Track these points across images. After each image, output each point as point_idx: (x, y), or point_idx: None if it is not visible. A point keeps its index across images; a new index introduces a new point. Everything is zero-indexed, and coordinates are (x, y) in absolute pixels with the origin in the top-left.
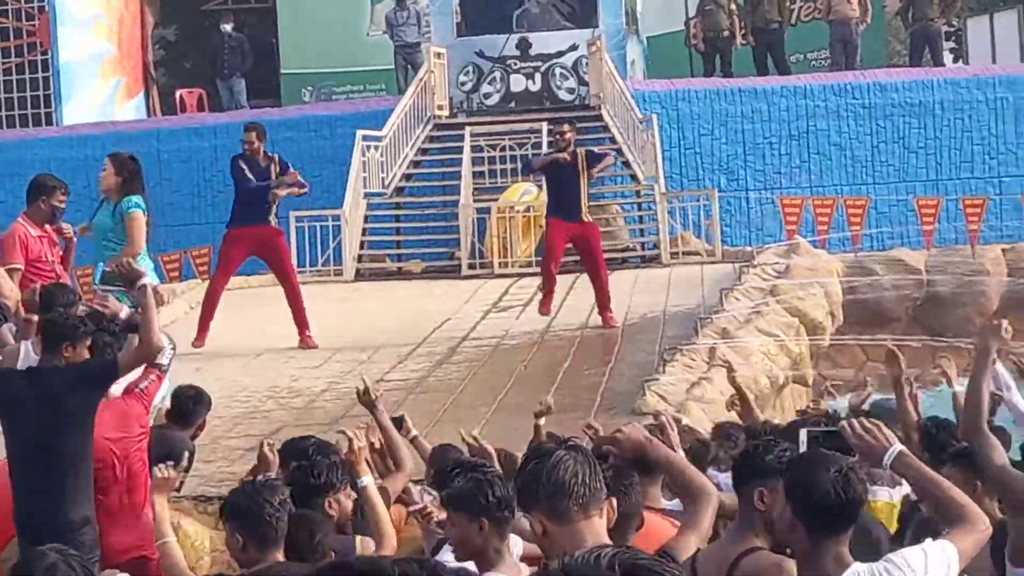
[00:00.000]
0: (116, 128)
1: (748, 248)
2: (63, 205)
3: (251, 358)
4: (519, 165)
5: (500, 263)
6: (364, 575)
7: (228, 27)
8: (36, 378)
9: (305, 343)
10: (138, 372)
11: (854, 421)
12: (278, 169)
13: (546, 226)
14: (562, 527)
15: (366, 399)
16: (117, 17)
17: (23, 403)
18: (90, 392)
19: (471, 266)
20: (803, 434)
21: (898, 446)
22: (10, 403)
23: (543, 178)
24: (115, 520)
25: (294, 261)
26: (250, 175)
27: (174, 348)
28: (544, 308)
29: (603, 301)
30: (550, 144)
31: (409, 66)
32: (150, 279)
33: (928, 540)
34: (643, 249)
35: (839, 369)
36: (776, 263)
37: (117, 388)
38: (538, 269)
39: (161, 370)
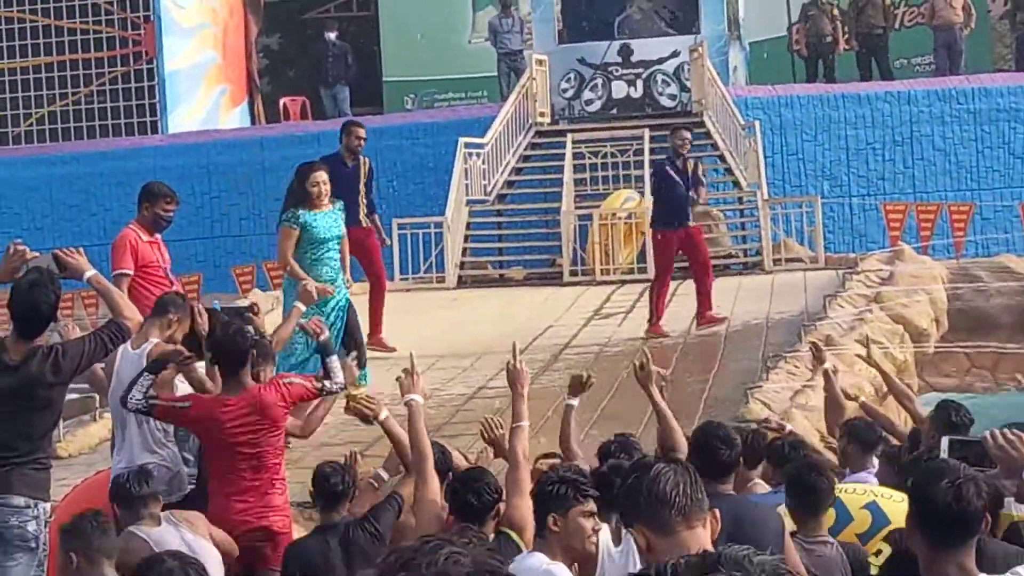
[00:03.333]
0: (221, 136)
1: (851, 255)
2: (168, 214)
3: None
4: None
5: (602, 270)
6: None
7: (332, 35)
8: None
9: (377, 344)
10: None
11: (996, 431)
12: (366, 172)
13: (653, 239)
14: (666, 539)
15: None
16: (222, 26)
17: None
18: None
19: (573, 273)
20: (944, 442)
21: None
22: None
23: (660, 186)
24: (242, 494)
25: (397, 268)
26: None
27: (343, 388)
28: (655, 329)
29: (706, 304)
30: (664, 151)
31: (512, 73)
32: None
33: None
34: (746, 256)
35: (945, 377)
36: (880, 270)
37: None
38: (640, 276)
39: (321, 391)
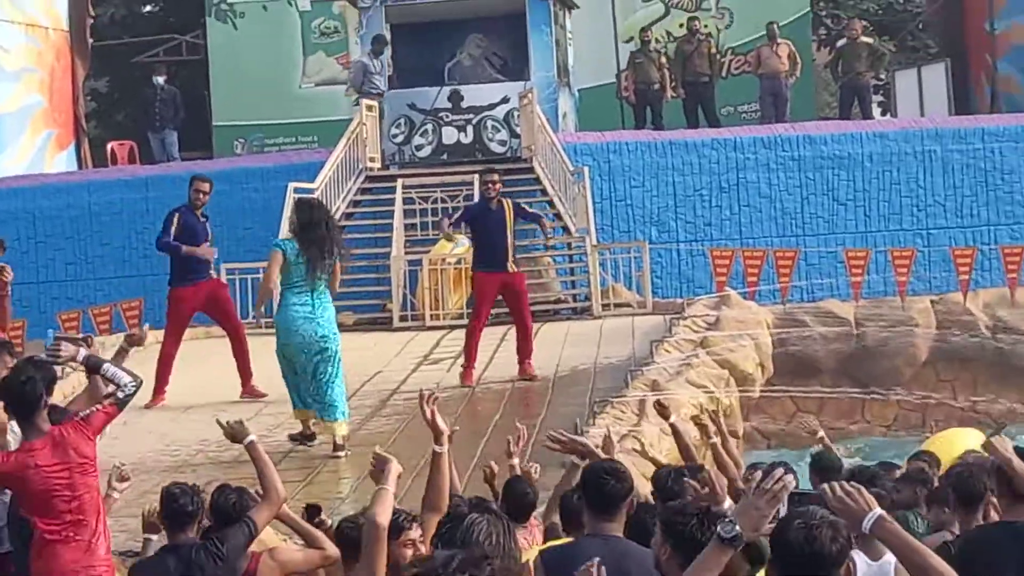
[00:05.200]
0: (47, 180)
1: (678, 300)
2: None
3: (180, 411)
4: (441, 218)
5: (431, 315)
6: None
7: (160, 79)
8: None
9: (250, 393)
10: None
11: (835, 484)
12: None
13: (472, 281)
14: None
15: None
16: (48, 70)
17: None
18: None
19: (403, 318)
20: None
21: (878, 511)
22: None
23: (470, 230)
24: (63, 543)
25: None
26: (173, 232)
27: (137, 385)
28: (467, 379)
29: (525, 351)
30: (480, 194)
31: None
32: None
33: None
34: (574, 301)
35: (770, 421)
36: (706, 315)
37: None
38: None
39: (116, 402)
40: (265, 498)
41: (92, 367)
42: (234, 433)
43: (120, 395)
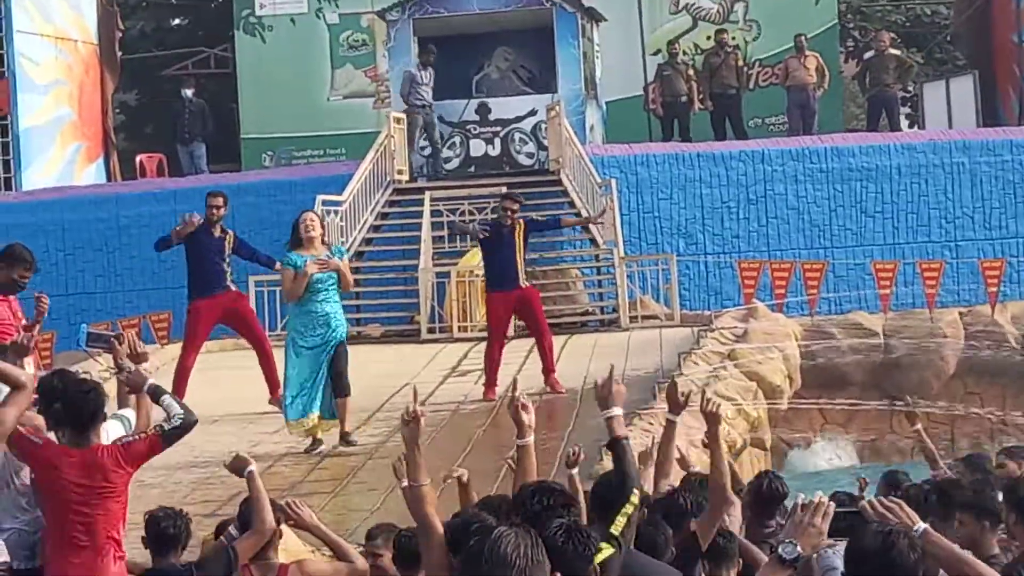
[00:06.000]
0: (76, 193)
1: (706, 312)
2: (23, 281)
3: (209, 423)
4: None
5: (459, 327)
6: None
7: (189, 92)
8: None
9: (279, 400)
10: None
11: (874, 500)
12: (232, 245)
13: (487, 303)
14: None
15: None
16: (78, 83)
17: None
18: None
19: (431, 330)
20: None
21: (922, 525)
22: None
23: (482, 249)
24: (70, 554)
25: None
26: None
27: (187, 420)
28: (489, 394)
29: (548, 366)
30: (494, 212)
31: (425, 125)
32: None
33: None
34: (602, 313)
35: (798, 433)
36: (734, 327)
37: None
38: None
39: (161, 433)
40: (253, 528)
41: (153, 396)
42: (235, 468)
43: (166, 426)
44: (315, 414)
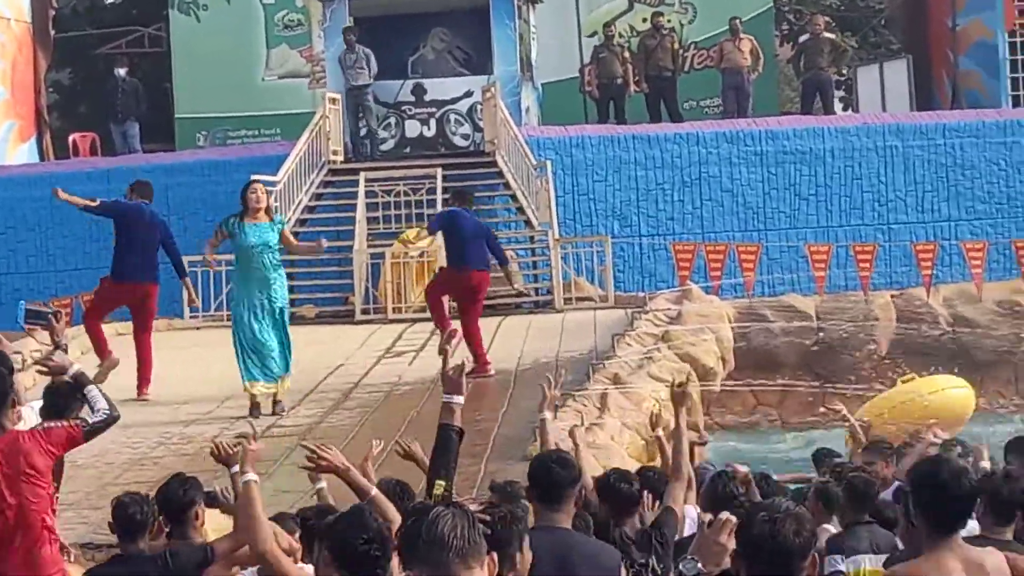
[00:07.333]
0: (8, 172)
1: (640, 294)
2: None
3: (142, 404)
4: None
5: (394, 308)
6: None
7: (122, 71)
8: None
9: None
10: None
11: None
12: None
13: (440, 272)
14: None
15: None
16: (11, 61)
17: None
18: None
19: (365, 311)
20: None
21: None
22: None
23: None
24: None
25: (188, 307)
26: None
27: (110, 416)
28: (484, 369)
29: (478, 350)
30: (445, 192)
31: (360, 108)
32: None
33: None
34: (537, 294)
35: (731, 414)
36: (668, 309)
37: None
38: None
39: (84, 426)
40: (235, 531)
41: (79, 384)
42: (227, 460)
43: (90, 420)
44: (260, 382)
